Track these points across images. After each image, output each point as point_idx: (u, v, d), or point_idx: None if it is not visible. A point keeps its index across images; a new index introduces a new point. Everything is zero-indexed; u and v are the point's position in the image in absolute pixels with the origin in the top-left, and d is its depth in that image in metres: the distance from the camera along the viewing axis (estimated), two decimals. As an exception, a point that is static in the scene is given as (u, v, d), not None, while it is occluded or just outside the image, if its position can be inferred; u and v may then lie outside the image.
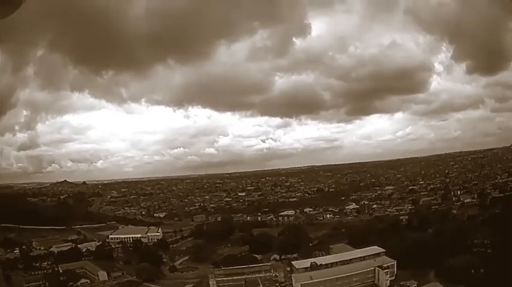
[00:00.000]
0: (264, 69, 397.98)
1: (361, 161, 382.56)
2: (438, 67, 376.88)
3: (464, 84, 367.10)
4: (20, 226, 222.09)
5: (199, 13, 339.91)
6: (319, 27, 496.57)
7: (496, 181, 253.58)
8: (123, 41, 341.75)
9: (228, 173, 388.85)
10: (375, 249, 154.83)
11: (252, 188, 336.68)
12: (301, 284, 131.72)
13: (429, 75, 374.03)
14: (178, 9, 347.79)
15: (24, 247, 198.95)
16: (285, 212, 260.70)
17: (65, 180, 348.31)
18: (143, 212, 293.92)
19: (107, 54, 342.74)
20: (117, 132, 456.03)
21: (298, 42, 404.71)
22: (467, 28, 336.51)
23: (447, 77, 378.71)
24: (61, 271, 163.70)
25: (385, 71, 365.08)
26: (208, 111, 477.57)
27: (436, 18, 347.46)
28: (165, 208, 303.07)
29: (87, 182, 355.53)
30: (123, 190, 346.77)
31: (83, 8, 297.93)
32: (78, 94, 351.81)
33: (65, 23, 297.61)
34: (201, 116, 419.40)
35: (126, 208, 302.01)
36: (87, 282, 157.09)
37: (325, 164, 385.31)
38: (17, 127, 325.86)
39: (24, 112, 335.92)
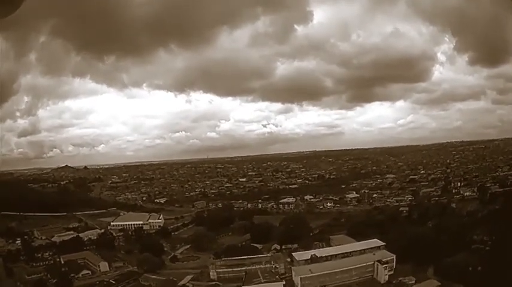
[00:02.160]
0: (266, 55, 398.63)
1: (362, 148, 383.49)
2: (441, 57, 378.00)
3: (466, 75, 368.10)
4: (21, 214, 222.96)
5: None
6: (322, 14, 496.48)
7: (497, 173, 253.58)
8: (125, 27, 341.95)
9: (229, 158, 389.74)
10: (375, 242, 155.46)
11: (253, 173, 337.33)
12: (301, 278, 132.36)
13: (431, 65, 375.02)
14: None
15: (26, 236, 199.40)
16: (286, 200, 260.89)
17: (66, 165, 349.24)
18: (144, 198, 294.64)
19: (109, 40, 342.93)
20: (119, 116, 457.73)
21: (300, 29, 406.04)
22: (470, 20, 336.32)
23: (449, 67, 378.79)
24: (63, 262, 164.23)
25: (387, 59, 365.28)
26: (209, 96, 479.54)
27: (439, 9, 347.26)
28: (165, 193, 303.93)
29: (88, 167, 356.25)
30: (123, 174, 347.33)
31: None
32: (80, 79, 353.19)
33: (67, 10, 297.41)
34: (202, 101, 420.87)
35: (127, 194, 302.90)
36: (88, 273, 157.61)
37: (326, 149, 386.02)
38: (18, 113, 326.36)
39: (26, 98, 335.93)
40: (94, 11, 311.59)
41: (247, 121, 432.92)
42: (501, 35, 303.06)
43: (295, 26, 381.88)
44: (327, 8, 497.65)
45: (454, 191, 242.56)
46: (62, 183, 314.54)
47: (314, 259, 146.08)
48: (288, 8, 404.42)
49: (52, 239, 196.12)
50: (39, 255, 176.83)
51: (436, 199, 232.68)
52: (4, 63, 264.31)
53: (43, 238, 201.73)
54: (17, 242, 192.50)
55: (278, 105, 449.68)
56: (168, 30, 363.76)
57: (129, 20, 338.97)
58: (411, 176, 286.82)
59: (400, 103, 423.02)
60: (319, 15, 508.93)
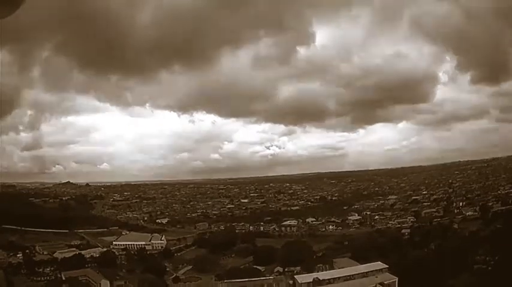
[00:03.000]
0: (268, 76, 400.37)
1: (365, 169, 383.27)
2: (443, 77, 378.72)
3: (469, 94, 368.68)
4: (22, 228, 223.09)
5: (205, 21, 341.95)
6: (324, 36, 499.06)
7: (499, 191, 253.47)
8: (130, 47, 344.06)
9: (231, 179, 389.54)
10: (378, 265, 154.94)
11: (255, 194, 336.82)
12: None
13: (433, 85, 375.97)
14: (184, 16, 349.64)
15: (27, 251, 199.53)
16: (288, 222, 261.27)
17: (68, 181, 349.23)
18: (145, 218, 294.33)
19: (113, 59, 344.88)
20: (122, 135, 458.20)
21: (302, 50, 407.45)
22: (471, 39, 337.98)
23: (452, 87, 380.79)
24: (64, 278, 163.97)
25: (390, 80, 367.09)
26: (212, 117, 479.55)
27: (441, 29, 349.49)
28: (167, 213, 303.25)
29: (90, 184, 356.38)
30: (125, 193, 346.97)
31: (90, 12, 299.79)
32: (83, 97, 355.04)
33: (72, 26, 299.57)
34: (205, 122, 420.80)
35: (129, 213, 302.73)
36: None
37: (329, 171, 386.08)
38: (21, 127, 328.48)
39: (29, 112, 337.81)
40: (98, 30, 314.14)
41: (250, 143, 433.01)
42: (503, 52, 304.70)
43: (298, 48, 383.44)
44: (329, 30, 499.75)
45: (456, 211, 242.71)
46: (63, 199, 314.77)
47: (316, 282, 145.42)
48: (290, 30, 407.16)
49: (54, 255, 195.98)
50: (40, 270, 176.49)
51: (438, 219, 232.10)
52: (8, 76, 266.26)
53: (45, 253, 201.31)
54: (18, 255, 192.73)
55: (281, 127, 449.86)
56: (171, 51, 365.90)
57: (133, 40, 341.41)
58: (413, 197, 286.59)
59: (403, 124, 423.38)
60: (322, 37, 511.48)
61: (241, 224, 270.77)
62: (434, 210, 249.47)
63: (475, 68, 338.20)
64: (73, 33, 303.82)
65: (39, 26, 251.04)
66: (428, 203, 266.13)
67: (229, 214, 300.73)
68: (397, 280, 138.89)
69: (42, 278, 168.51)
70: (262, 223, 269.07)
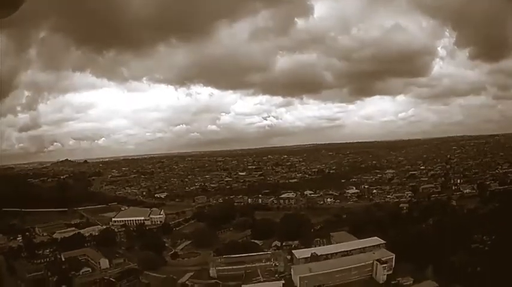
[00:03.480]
0: (266, 48, 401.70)
1: (363, 141, 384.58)
2: (441, 52, 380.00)
3: (467, 70, 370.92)
4: (23, 210, 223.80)
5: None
6: (322, 8, 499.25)
7: (497, 171, 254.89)
8: (125, 22, 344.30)
9: (229, 151, 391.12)
10: (375, 240, 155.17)
11: (253, 167, 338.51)
12: (300, 277, 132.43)
13: (432, 59, 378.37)
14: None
15: (27, 233, 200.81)
16: (286, 195, 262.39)
17: (66, 159, 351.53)
18: (144, 193, 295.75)
19: (109, 35, 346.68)
20: (119, 110, 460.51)
21: (300, 22, 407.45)
22: (471, 15, 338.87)
23: (450, 62, 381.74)
24: (63, 259, 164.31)
25: (387, 53, 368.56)
26: (210, 90, 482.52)
27: (440, 4, 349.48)
28: (165, 188, 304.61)
29: (88, 161, 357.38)
30: (123, 168, 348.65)
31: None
32: (80, 74, 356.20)
33: (67, 5, 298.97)
34: (203, 94, 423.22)
35: (127, 188, 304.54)
36: (88, 270, 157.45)
37: (327, 142, 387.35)
38: (19, 108, 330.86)
39: (26, 93, 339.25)
40: (94, 6, 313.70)
41: (247, 114, 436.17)
42: (502, 30, 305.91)
43: (296, 20, 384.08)
44: (327, 2, 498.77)
45: (454, 187, 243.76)
46: (61, 177, 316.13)
47: (314, 257, 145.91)
48: (288, 2, 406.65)
49: (53, 235, 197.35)
50: (40, 252, 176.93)
51: (436, 195, 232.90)
52: (5, 59, 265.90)
53: (44, 234, 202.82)
54: (18, 238, 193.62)
55: (278, 99, 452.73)
56: (169, 24, 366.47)
57: (129, 15, 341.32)
58: (411, 172, 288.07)
59: (401, 97, 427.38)
60: (320, 8, 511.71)
61: (239, 197, 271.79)
62: (432, 185, 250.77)
63: (474, 44, 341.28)
64: (69, 10, 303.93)
65: (35, 7, 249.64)
66: (426, 179, 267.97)
67: (227, 187, 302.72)
68: (394, 256, 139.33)
69: (42, 260, 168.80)
70: (260, 196, 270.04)
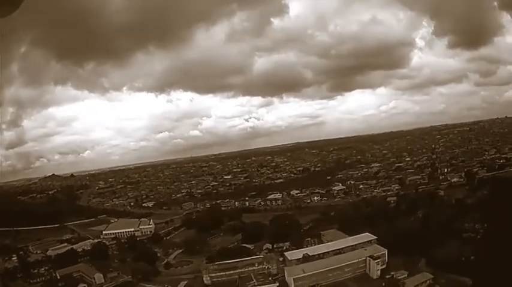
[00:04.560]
0: (243, 50, 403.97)
1: (345, 136, 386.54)
2: (419, 42, 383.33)
3: (447, 59, 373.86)
4: (14, 229, 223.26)
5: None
6: (297, 6, 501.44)
7: (484, 157, 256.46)
8: (103, 33, 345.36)
9: (213, 155, 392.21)
10: (367, 236, 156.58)
11: (238, 170, 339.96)
12: (293, 278, 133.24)
13: (410, 51, 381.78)
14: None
15: (21, 252, 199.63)
16: (273, 196, 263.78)
17: (53, 174, 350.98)
18: (132, 203, 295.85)
19: (88, 47, 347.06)
20: (102, 121, 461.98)
21: (276, 22, 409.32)
22: (448, 3, 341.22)
23: (429, 52, 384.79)
24: (59, 277, 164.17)
25: (366, 47, 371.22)
26: (190, 95, 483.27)
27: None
28: (152, 197, 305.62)
29: (75, 174, 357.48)
30: (110, 179, 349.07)
31: (63, 2, 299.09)
32: (61, 87, 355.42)
33: (45, 19, 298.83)
34: (183, 100, 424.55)
35: (115, 199, 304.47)
36: (84, 286, 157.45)
37: (310, 140, 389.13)
38: (4, 126, 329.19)
39: (11, 110, 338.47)
40: (71, 19, 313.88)
41: (228, 117, 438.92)
42: (480, 17, 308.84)
43: (272, 19, 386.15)
44: (303, 0, 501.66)
45: (441, 177, 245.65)
46: (50, 193, 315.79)
47: (306, 258, 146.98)
48: (263, 2, 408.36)
49: (47, 253, 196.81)
50: (36, 271, 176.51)
51: (424, 187, 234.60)
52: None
53: (38, 252, 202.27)
54: (13, 258, 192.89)
55: (259, 99, 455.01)
56: (145, 32, 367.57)
57: (106, 26, 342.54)
58: (397, 164, 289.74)
59: (381, 90, 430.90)
60: (295, 7, 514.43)
61: (226, 201, 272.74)
62: (419, 177, 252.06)
63: (452, 33, 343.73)
64: (48, 25, 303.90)
65: (14, 21, 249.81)
66: (412, 170, 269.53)
67: (213, 191, 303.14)
68: (386, 251, 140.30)
69: (38, 279, 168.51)
70: (247, 199, 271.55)
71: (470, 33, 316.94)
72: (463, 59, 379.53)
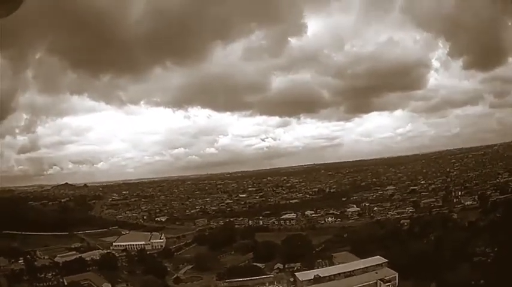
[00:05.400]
0: (261, 68, 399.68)
1: (362, 159, 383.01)
2: (435, 63, 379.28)
3: (462, 80, 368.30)
4: (23, 233, 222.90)
5: (196, 15, 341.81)
6: (315, 26, 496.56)
7: (497, 180, 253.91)
8: (121, 45, 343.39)
9: (229, 173, 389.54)
10: (378, 259, 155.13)
11: (253, 189, 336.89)
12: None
13: (427, 72, 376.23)
14: (175, 11, 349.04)
15: (28, 256, 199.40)
16: (287, 215, 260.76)
17: (66, 182, 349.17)
18: (145, 216, 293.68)
19: (105, 58, 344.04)
20: (117, 133, 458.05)
21: (294, 41, 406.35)
22: (463, 24, 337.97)
23: (444, 73, 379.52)
24: (66, 283, 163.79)
25: (382, 68, 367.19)
26: (207, 111, 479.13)
27: (433, 15, 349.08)
28: (166, 211, 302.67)
29: (88, 185, 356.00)
30: (124, 192, 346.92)
31: (81, 11, 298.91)
32: (78, 97, 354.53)
33: (63, 27, 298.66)
34: (200, 117, 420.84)
35: (128, 212, 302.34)
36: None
37: (326, 162, 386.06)
38: (17, 130, 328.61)
39: (25, 116, 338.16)
40: (90, 29, 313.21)
41: (245, 136, 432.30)
42: (494, 37, 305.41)
43: (289, 39, 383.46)
44: (320, 19, 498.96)
45: (455, 200, 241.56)
46: (62, 201, 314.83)
47: (317, 279, 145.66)
48: (282, 21, 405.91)
49: (55, 259, 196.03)
50: (42, 275, 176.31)
51: (437, 209, 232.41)
52: (2, 81, 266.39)
53: (45, 257, 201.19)
54: (20, 261, 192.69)
55: (276, 119, 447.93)
56: (163, 47, 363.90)
57: (124, 38, 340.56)
58: (412, 187, 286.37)
59: (398, 112, 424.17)
60: (313, 26, 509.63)
61: (240, 219, 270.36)
62: (433, 200, 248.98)
63: (467, 53, 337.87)
64: (65, 33, 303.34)
65: (30, 27, 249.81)
66: (427, 193, 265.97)
67: (228, 209, 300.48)
68: (397, 275, 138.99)
69: (44, 283, 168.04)
70: (261, 217, 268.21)
71: (485, 54, 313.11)
72: (478, 80, 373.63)
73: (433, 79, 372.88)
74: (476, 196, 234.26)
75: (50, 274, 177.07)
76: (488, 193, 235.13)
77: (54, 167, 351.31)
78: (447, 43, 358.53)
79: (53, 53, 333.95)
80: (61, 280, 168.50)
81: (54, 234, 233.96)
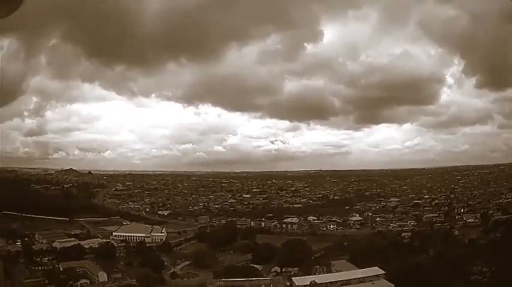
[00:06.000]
0: (274, 72, 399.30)
1: (368, 169, 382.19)
2: (449, 80, 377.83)
3: (474, 99, 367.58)
4: (23, 215, 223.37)
5: (213, 15, 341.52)
6: (331, 34, 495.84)
7: (501, 200, 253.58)
8: (137, 38, 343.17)
9: (234, 173, 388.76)
10: (375, 270, 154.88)
11: (258, 190, 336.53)
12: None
13: (439, 88, 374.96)
14: (192, 10, 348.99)
15: (26, 239, 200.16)
16: (289, 219, 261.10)
17: (71, 168, 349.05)
18: (147, 209, 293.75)
19: (119, 49, 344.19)
20: (126, 124, 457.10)
21: (309, 47, 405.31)
22: (478, 43, 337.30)
23: (457, 91, 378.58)
24: (62, 269, 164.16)
25: (395, 80, 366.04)
26: (218, 110, 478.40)
27: (448, 32, 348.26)
28: (169, 205, 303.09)
29: (92, 172, 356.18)
30: (128, 183, 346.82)
31: (98, 2, 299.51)
32: (89, 85, 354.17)
33: (79, 16, 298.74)
34: (211, 114, 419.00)
35: (130, 203, 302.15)
36: (86, 282, 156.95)
37: (332, 169, 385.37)
38: (26, 113, 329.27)
39: (34, 99, 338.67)
40: (105, 20, 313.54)
41: (254, 137, 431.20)
42: (506, 58, 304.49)
43: (305, 44, 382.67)
44: (337, 28, 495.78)
45: (457, 217, 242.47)
46: (65, 186, 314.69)
47: (313, 286, 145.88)
48: (299, 27, 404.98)
49: (53, 244, 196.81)
50: (39, 259, 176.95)
51: (439, 224, 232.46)
52: (14, 62, 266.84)
53: (44, 242, 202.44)
54: (17, 243, 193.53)
55: (286, 123, 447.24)
56: (179, 44, 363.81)
57: (140, 32, 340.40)
58: (415, 201, 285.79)
59: (407, 125, 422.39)
60: (329, 34, 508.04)
61: (242, 219, 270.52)
62: (435, 215, 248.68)
63: (481, 72, 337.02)
64: (80, 22, 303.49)
65: (47, 14, 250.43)
66: (430, 208, 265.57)
67: (231, 208, 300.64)
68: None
69: (40, 267, 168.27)
70: (263, 219, 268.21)
71: (497, 74, 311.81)
72: (489, 100, 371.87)
73: (446, 95, 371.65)
74: (479, 214, 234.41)
75: (46, 259, 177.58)
76: (491, 212, 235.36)
77: (60, 152, 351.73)
78: (462, 60, 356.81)
79: (67, 40, 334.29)
80: (57, 266, 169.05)
81: (54, 219, 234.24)
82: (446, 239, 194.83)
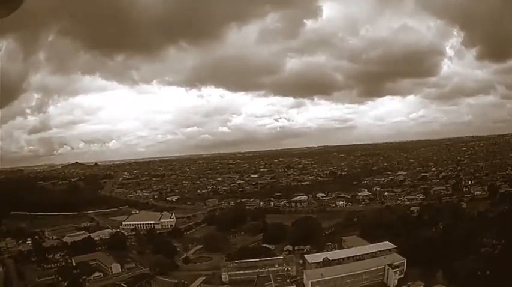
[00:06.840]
0: (275, 50, 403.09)
1: (374, 143, 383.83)
2: (449, 52, 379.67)
3: (475, 70, 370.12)
4: (32, 213, 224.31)
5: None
6: (330, 9, 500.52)
7: (507, 172, 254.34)
8: (135, 25, 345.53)
9: (240, 153, 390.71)
10: (387, 245, 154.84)
11: (265, 169, 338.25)
12: (311, 282, 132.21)
13: (440, 60, 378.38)
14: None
15: (36, 237, 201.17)
16: (298, 198, 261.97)
17: (77, 162, 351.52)
18: (155, 196, 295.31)
19: (119, 39, 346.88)
20: (129, 112, 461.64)
21: (309, 24, 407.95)
22: (478, 15, 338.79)
23: (458, 62, 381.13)
24: (74, 264, 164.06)
25: (396, 53, 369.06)
26: (221, 91, 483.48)
27: (446, 4, 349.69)
28: (177, 191, 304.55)
29: (98, 163, 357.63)
30: (135, 171, 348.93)
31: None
32: (89, 77, 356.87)
33: (75, 9, 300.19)
34: (214, 96, 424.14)
35: (138, 191, 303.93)
36: (100, 275, 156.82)
37: (338, 144, 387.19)
38: (28, 111, 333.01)
39: (36, 96, 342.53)
40: (102, 10, 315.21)
41: (258, 116, 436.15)
42: (507, 29, 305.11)
43: (304, 21, 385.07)
44: (335, 3, 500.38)
45: (464, 189, 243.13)
46: (72, 180, 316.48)
47: (326, 262, 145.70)
48: (297, 4, 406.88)
49: (63, 239, 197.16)
50: (51, 256, 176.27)
51: (447, 198, 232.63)
52: (13, 62, 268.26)
53: (54, 238, 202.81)
54: (28, 242, 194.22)
55: (289, 100, 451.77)
56: (178, 28, 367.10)
57: (138, 18, 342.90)
58: (422, 173, 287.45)
59: (411, 97, 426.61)
60: (328, 10, 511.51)
61: (251, 200, 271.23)
62: (443, 188, 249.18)
63: (481, 44, 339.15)
64: (77, 14, 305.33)
65: (45, 11, 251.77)
66: (437, 181, 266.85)
67: (239, 189, 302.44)
68: (405, 261, 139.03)
69: (53, 264, 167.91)
70: (272, 199, 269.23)
71: (498, 45, 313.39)
72: (490, 71, 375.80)
73: (447, 67, 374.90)
74: (486, 187, 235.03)
75: (58, 255, 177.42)
76: (498, 184, 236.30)
77: (65, 146, 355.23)
78: (461, 32, 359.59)
79: (65, 35, 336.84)
80: (69, 261, 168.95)
81: (63, 214, 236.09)
82: (455, 213, 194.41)
